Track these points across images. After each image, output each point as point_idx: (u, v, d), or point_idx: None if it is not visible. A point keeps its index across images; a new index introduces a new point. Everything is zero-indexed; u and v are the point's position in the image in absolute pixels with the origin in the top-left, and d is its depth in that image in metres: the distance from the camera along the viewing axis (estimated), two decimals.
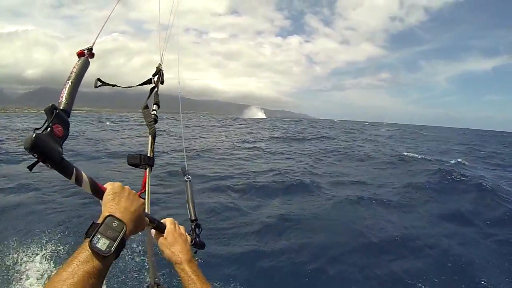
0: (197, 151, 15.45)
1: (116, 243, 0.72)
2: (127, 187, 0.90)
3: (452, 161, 14.55)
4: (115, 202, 0.82)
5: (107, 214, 0.77)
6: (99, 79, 1.24)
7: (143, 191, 1.21)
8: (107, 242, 0.71)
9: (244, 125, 49.90)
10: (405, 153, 17.08)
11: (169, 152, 14.40)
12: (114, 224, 0.75)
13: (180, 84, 1.74)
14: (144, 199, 1.15)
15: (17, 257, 4.43)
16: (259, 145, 19.95)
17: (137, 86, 1.47)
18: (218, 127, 42.99)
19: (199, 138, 23.41)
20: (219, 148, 17.30)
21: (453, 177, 9.98)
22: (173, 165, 10.95)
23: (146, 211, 1.11)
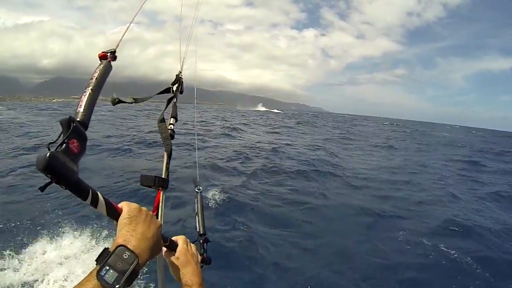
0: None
1: (124, 277, 0.67)
2: (144, 209, 0.85)
3: None
4: (132, 228, 0.77)
5: (119, 243, 0.72)
6: (117, 98, 1.14)
7: (154, 213, 1.12)
8: (116, 275, 0.66)
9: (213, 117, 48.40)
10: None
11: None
12: (125, 255, 0.69)
13: (196, 96, 1.62)
14: None
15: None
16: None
17: (155, 95, 1.34)
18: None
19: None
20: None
21: None
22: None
23: None
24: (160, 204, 1.14)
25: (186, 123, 21.72)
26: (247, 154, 14.17)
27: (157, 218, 1.10)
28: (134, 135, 17.34)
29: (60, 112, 35.85)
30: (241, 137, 21.57)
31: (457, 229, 6.87)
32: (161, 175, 1.17)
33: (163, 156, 1.21)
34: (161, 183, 1.13)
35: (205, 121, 33.46)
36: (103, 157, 11.85)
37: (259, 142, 18.80)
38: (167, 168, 1.19)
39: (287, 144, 18.90)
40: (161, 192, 1.14)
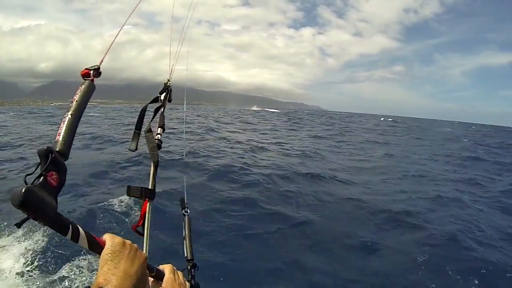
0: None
1: None
2: (128, 242, 0.80)
3: None
4: (114, 265, 0.72)
5: (99, 284, 0.67)
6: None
7: (140, 223, 1.11)
8: None
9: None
10: None
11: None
12: None
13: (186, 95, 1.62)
14: (143, 234, 1.11)
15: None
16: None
17: (147, 104, 1.33)
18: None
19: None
20: None
21: None
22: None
23: (145, 251, 1.04)
24: (147, 215, 1.13)
25: (171, 120, 21.48)
26: (213, 154, 12.50)
27: (144, 229, 1.11)
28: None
29: (51, 115, 35.81)
30: (219, 135, 19.81)
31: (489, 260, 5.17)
32: (148, 185, 1.17)
33: (150, 167, 1.19)
34: (148, 194, 1.13)
35: (189, 121, 32.63)
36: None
37: (236, 141, 17.22)
38: (154, 178, 1.18)
39: (268, 143, 17.37)
40: (148, 203, 1.13)
